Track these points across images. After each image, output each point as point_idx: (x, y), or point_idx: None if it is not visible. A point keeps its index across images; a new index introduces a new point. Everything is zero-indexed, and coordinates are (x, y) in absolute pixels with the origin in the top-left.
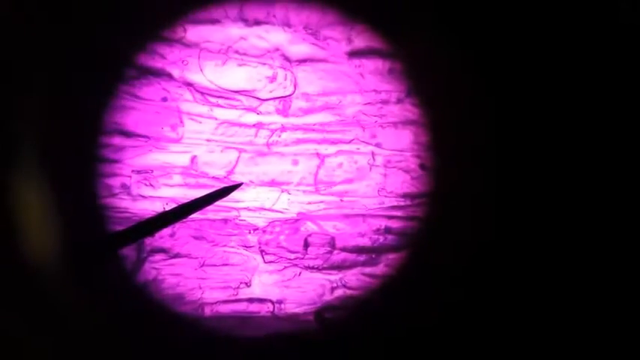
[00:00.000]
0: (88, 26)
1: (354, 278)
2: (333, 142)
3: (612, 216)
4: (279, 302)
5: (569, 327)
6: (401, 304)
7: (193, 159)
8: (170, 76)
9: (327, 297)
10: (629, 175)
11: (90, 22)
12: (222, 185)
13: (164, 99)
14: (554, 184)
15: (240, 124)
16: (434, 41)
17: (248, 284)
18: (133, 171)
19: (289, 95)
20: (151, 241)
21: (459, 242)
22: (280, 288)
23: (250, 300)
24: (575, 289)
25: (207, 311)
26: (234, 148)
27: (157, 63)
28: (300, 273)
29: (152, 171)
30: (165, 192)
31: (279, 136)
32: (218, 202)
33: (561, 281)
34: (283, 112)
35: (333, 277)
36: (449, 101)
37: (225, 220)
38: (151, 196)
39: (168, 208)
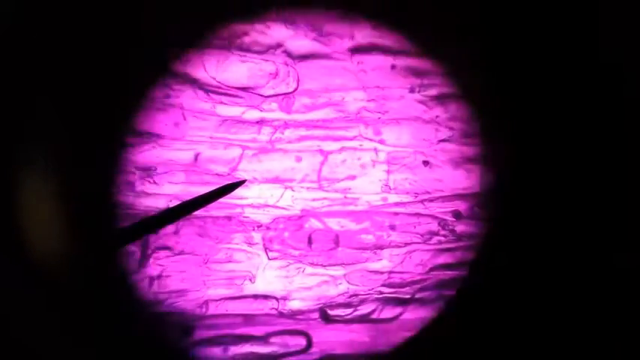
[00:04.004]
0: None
1: (358, 275)
2: (337, 139)
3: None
4: (284, 299)
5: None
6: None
7: (197, 156)
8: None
9: (331, 293)
10: None
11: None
12: (226, 182)
13: (167, 96)
14: (562, 186)
15: (244, 121)
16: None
17: (252, 281)
18: (136, 168)
19: (292, 92)
20: (155, 239)
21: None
22: (284, 284)
23: (254, 296)
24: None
25: (212, 308)
26: (237, 145)
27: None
28: (304, 269)
29: (156, 168)
30: (169, 189)
31: (283, 133)
32: (222, 199)
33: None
34: (286, 108)
35: (336, 274)
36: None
37: (229, 217)
38: (154, 194)
39: (172, 205)
